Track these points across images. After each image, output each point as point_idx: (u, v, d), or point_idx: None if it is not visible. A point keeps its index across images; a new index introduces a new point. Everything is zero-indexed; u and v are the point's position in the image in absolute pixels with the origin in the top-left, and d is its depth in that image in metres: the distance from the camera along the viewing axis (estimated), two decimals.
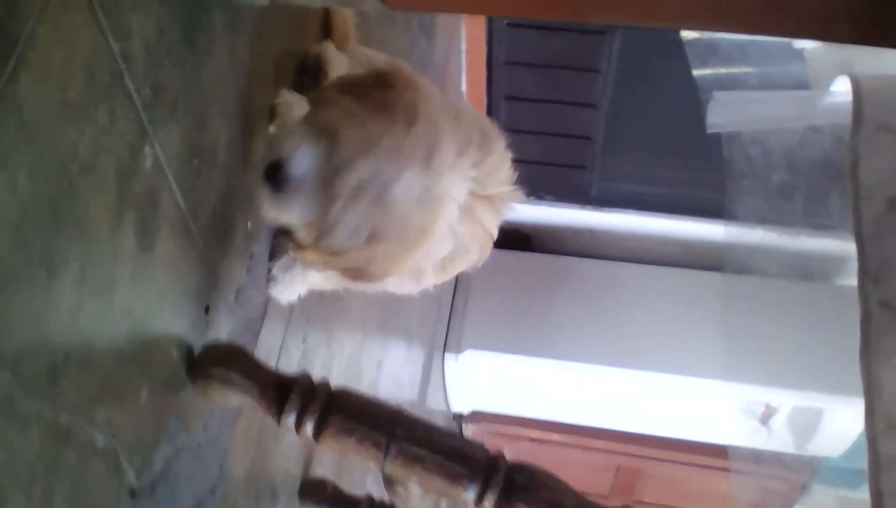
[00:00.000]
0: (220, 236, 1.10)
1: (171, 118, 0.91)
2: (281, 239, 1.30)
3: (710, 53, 1.79)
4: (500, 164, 1.19)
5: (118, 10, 0.78)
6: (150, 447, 0.99)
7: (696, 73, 1.81)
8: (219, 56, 1.01)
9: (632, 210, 3.22)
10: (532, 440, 3.77)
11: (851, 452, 3.32)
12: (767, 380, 3.13)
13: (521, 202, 1.25)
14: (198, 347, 1.07)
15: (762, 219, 1.81)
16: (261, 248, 1.27)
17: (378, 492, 2.06)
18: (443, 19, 2.38)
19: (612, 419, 3.63)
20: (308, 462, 1.66)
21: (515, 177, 1.22)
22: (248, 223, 1.19)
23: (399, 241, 1.05)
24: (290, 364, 1.45)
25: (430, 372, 3.04)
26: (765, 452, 3.36)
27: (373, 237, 1.02)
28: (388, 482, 1.18)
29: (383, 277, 1.11)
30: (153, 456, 1.00)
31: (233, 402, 1.08)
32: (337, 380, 1.77)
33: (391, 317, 2.29)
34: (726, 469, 3.69)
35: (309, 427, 1.05)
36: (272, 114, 1.21)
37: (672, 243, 3.36)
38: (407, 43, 2.06)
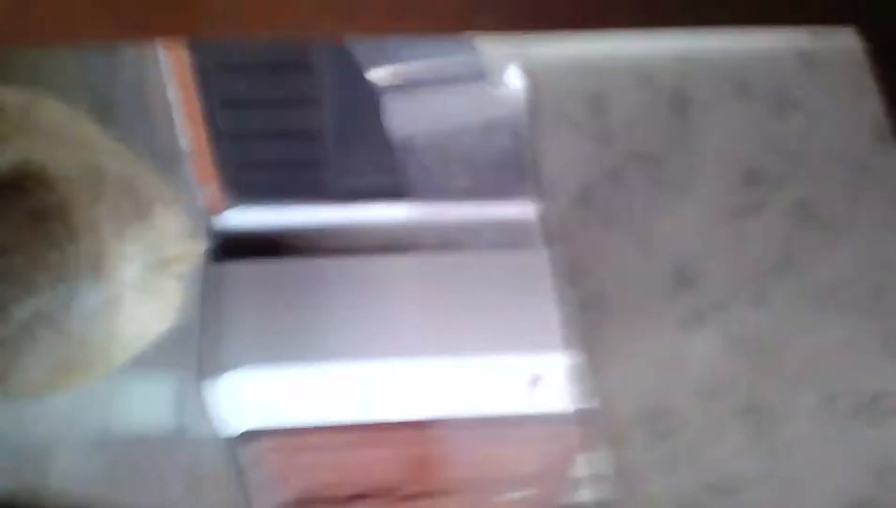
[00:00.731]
0: None
1: None
2: None
3: (379, 53, 1.78)
4: (166, 221, 1.07)
5: None
6: None
7: (370, 75, 1.78)
8: None
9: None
10: (315, 447, 3.69)
11: None
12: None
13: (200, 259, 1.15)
14: None
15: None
16: None
17: None
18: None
19: (391, 411, 3.62)
20: None
21: (188, 225, 1.12)
22: None
23: (90, 361, 0.97)
24: None
25: (185, 400, 2.88)
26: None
27: (62, 368, 0.94)
28: None
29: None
30: None
31: None
32: (58, 431, 1.61)
33: None
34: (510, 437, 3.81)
35: None
36: None
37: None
38: (77, 70, 1.89)
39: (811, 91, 1.29)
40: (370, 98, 2.84)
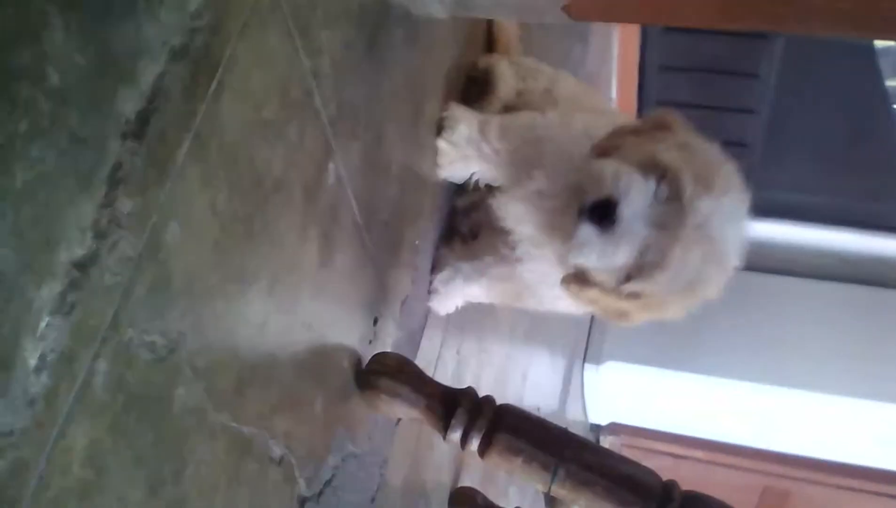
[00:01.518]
0: (390, 249, 1.11)
1: (353, 134, 0.92)
2: (444, 251, 1.30)
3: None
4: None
5: (311, 26, 0.79)
6: (321, 456, 1.00)
7: (889, 82, 1.69)
8: (396, 71, 1.01)
9: (789, 220, 3.07)
10: (673, 455, 3.65)
11: None
12: None
13: None
14: (366, 357, 1.08)
15: None
16: (424, 261, 1.27)
17: (521, 501, 2.05)
18: (598, 25, 2.34)
19: (758, 437, 3.48)
20: (458, 472, 1.65)
21: None
22: (417, 242, 1.19)
23: (712, 286, 1.00)
24: (445, 374, 1.45)
25: (570, 383, 2.99)
26: None
27: (693, 283, 0.98)
28: (551, 501, 1.16)
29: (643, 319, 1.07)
30: (323, 465, 1.01)
31: (399, 414, 1.08)
32: (486, 390, 1.77)
33: (537, 328, 2.26)
34: (882, 494, 3.48)
35: (474, 444, 1.03)
36: (440, 127, 1.21)
37: (829, 255, 3.18)
38: (562, 50, 2.02)
39: None
40: (812, 115, 2.72)
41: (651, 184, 0.94)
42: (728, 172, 0.98)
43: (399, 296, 1.17)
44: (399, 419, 1.24)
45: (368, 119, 0.96)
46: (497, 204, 1.18)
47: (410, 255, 1.18)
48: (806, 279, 3.18)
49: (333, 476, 1.05)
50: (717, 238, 0.94)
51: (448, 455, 1.55)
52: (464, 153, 1.21)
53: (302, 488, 0.96)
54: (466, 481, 1.68)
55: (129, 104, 0.56)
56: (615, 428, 3.61)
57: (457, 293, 1.31)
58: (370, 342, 1.10)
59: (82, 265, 0.54)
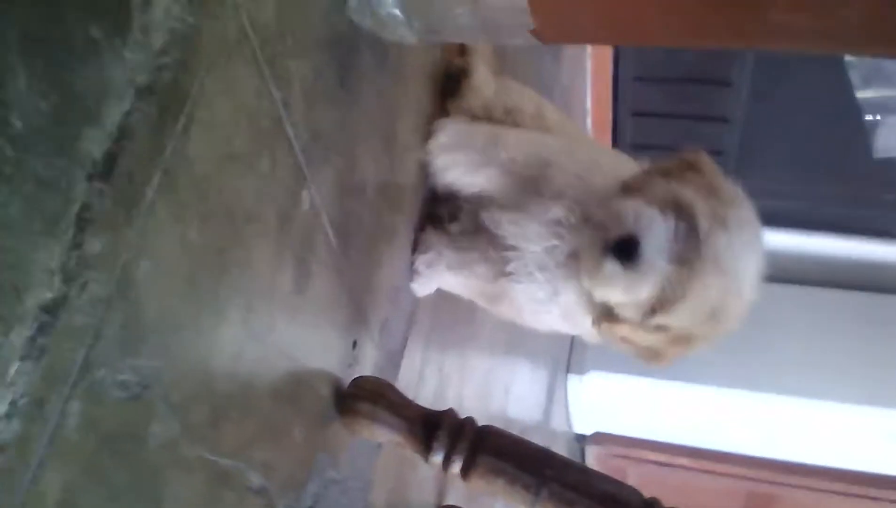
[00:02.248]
0: (367, 271, 1.11)
1: (326, 160, 0.92)
2: (429, 232, 1.29)
3: (875, 75, 1.70)
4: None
5: (279, 57, 0.79)
6: (301, 483, 1.00)
7: (859, 95, 1.71)
8: (369, 95, 1.01)
9: (766, 227, 3.09)
10: (657, 463, 3.66)
11: None
12: None
13: None
14: (346, 382, 1.08)
15: None
16: (404, 281, 1.27)
17: None
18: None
19: (741, 443, 3.49)
20: (442, 491, 1.65)
21: None
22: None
23: (732, 317, 1.05)
24: (427, 393, 1.45)
25: (553, 394, 2.99)
26: None
27: (715, 314, 1.02)
28: None
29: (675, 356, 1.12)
30: (303, 493, 1.00)
31: (380, 438, 1.08)
32: (469, 406, 1.77)
33: (517, 340, 2.27)
34: (865, 497, 3.50)
35: (456, 466, 1.03)
36: (429, 134, 1.25)
37: (808, 260, 3.21)
38: (536, 64, 2.03)
39: None
40: (786, 123, 2.75)
41: (670, 222, 1.00)
42: (743, 210, 1.04)
43: (378, 318, 1.17)
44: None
45: (341, 144, 0.96)
46: (500, 219, 1.20)
47: (389, 274, 1.19)
48: (784, 285, 3.20)
49: (315, 502, 1.05)
50: (732, 271, 1.00)
51: (432, 474, 1.55)
52: (453, 158, 1.23)
53: None
54: (451, 499, 1.68)
55: (94, 145, 0.56)
56: (600, 438, 3.62)
57: (437, 278, 1.31)
58: (350, 365, 1.10)
59: (51, 309, 0.54)
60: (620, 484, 1.01)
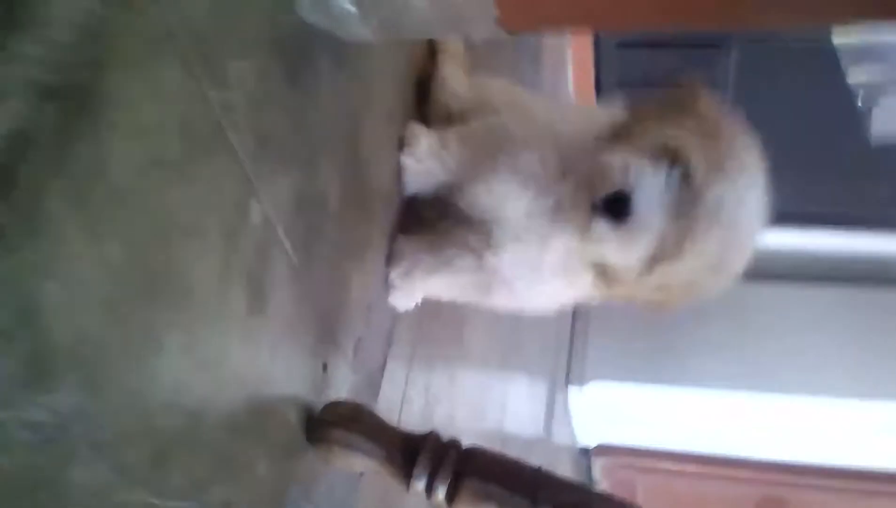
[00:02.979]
0: (336, 288, 1.03)
1: (278, 168, 0.84)
2: (401, 242, 1.21)
3: (866, 55, 1.63)
4: None
5: (216, 56, 0.72)
6: None
7: (851, 80, 1.64)
8: (325, 98, 0.94)
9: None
10: (666, 472, 3.57)
11: None
12: None
13: None
14: (318, 407, 1.00)
15: None
16: (378, 297, 1.19)
17: None
18: (550, 44, 2.29)
19: (750, 447, 3.41)
20: None
21: None
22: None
23: (735, 269, 0.98)
24: (412, 416, 1.37)
25: (553, 407, 2.91)
26: None
27: (716, 267, 0.96)
28: None
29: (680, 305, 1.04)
30: None
31: (357, 466, 1.00)
32: (462, 427, 1.69)
33: (511, 353, 2.19)
34: (876, 493, 3.42)
35: (441, 493, 0.96)
36: (402, 144, 1.18)
37: (806, 257, 3.14)
38: (514, 73, 1.97)
39: None
40: (772, 121, 2.68)
41: (662, 172, 0.93)
42: (742, 152, 0.95)
43: (350, 337, 1.10)
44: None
45: (296, 151, 0.89)
46: (472, 193, 1.13)
47: (360, 291, 1.11)
48: (783, 283, 3.13)
49: None
50: (732, 222, 0.92)
51: (424, 500, 1.47)
52: (426, 167, 1.16)
53: None
54: None
55: None
56: (605, 450, 3.54)
57: (416, 288, 1.22)
58: (321, 390, 1.02)
59: None
60: (624, 505, 0.93)
